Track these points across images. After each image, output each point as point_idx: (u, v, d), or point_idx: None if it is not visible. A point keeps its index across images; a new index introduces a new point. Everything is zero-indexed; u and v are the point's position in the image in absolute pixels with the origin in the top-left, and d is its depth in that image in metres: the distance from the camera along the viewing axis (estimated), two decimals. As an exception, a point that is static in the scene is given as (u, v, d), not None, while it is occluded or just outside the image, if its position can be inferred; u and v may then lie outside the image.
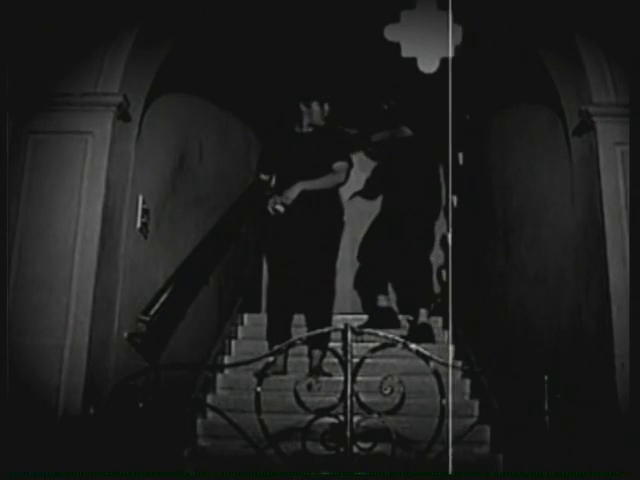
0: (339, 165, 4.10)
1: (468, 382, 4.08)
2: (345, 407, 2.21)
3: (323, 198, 4.05)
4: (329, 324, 3.86)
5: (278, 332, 3.99)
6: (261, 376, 2.35)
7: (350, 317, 4.72)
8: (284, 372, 3.92)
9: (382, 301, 4.69)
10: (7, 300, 2.51)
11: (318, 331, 2.45)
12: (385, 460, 2.31)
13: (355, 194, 5.41)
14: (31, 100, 2.74)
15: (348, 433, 2.19)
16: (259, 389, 2.34)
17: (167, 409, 2.57)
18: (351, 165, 4.22)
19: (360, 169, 5.38)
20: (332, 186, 4.11)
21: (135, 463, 2.35)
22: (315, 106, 4.12)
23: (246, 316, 4.77)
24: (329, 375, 3.78)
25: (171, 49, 3.14)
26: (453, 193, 5.30)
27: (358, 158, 5.27)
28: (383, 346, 2.34)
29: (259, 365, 2.50)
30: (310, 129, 4.17)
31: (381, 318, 4.56)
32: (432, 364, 2.31)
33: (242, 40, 4.07)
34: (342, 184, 4.20)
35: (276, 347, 2.34)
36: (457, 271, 5.01)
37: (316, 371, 3.79)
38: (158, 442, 2.35)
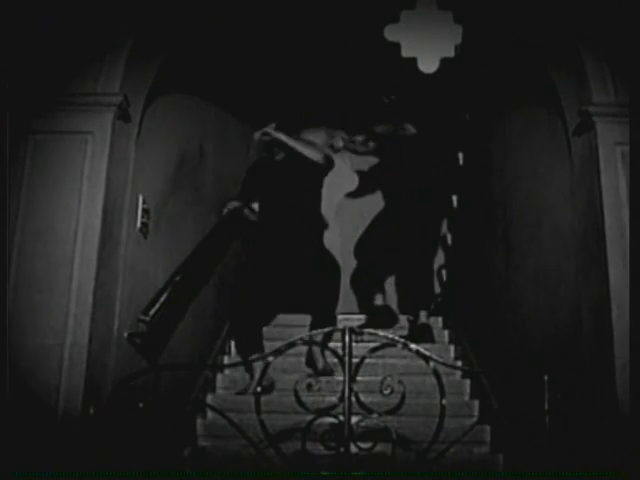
0: (320, 148, 4.09)
1: (468, 382, 4.09)
2: (344, 407, 2.21)
3: (304, 199, 4.05)
4: (328, 325, 3.84)
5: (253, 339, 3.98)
6: (262, 376, 2.36)
7: (351, 317, 4.74)
8: (331, 373, 3.80)
9: (378, 300, 4.65)
10: (7, 300, 2.51)
11: (318, 331, 2.45)
12: (385, 460, 2.32)
13: (354, 193, 5.41)
14: (31, 100, 2.74)
15: (346, 433, 2.19)
16: (259, 389, 2.34)
17: (167, 409, 2.57)
18: (330, 160, 4.16)
19: (359, 167, 5.37)
20: (310, 158, 4.03)
21: (135, 463, 2.35)
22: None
23: (246, 316, 4.76)
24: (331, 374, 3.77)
25: (171, 50, 3.14)
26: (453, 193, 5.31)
27: (357, 158, 5.26)
28: (383, 346, 2.34)
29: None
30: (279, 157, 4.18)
31: (378, 317, 4.53)
32: (432, 364, 2.32)
33: (241, 40, 4.07)
34: (320, 167, 4.09)
35: (276, 347, 2.34)
36: (457, 271, 5.02)
37: (327, 372, 3.74)
38: (158, 442, 2.35)
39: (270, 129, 4.04)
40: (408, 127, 4.52)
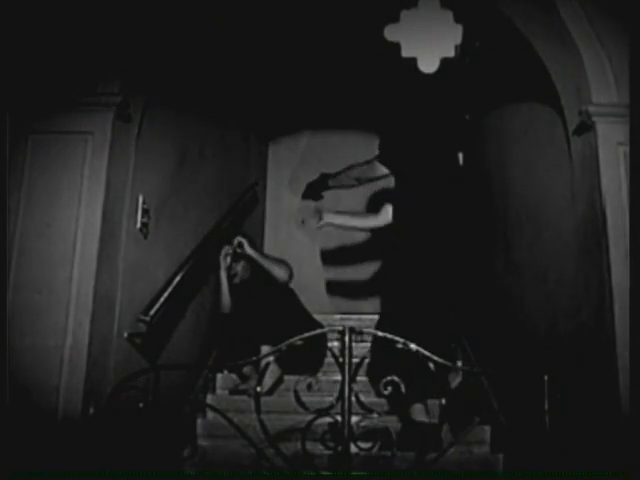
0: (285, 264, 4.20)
1: (468, 382, 4.08)
2: (344, 407, 2.21)
3: None
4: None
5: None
6: (262, 376, 2.36)
7: (349, 317, 4.74)
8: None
9: (420, 414, 3.22)
10: (7, 301, 2.51)
11: (318, 331, 2.44)
12: (385, 460, 2.32)
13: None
14: (31, 100, 2.74)
15: (346, 433, 2.19)
16: (259, 389, 2.34)
17: (167, 409, 2.56)
18: (292, 276, 4.22)
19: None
20: (274, 276, 4.13)
21: (135, 463, 2.35)
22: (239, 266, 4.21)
23: (246, 316, 4.76)
24: None
25: (171, 52, 3.14)
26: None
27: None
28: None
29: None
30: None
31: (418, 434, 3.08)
32: (432, 364, 2.31)
33: (241, 43, 4.07)
34: (281, 283, 4.15)
35: (275, 347, 2.34)
36: (457, 271, 5.00)
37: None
38: (158, 442, 2.35)
39: (244, 243, 4.13)
40: (378, 166, 3.93)
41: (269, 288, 4.10)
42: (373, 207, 4.18)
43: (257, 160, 5.55)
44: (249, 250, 4.12)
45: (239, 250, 4.13)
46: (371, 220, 3.96)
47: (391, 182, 4.10)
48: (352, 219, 4.05)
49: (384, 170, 3.92)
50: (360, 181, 4.10)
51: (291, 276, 4.17)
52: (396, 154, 3.92)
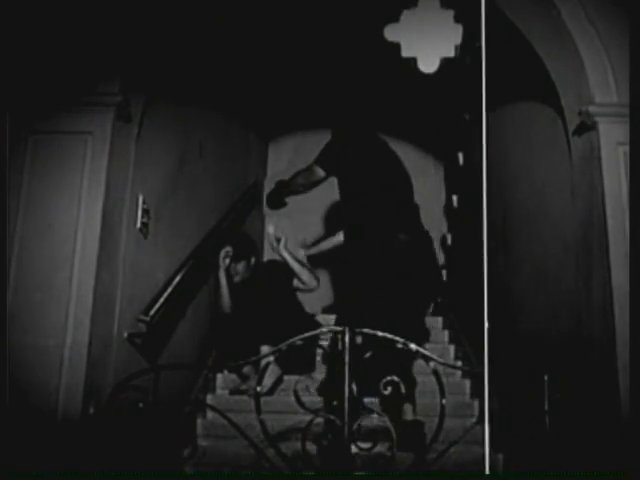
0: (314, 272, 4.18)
1: (468, 382, 4.08)
2: (344, 407, 2.21)
3: None
4: None
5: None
6: (261, 376, 2.36)
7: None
8: None
9: (407, 413, 3.41)
10: (7, 300, 2.51)
11: (317, 331, 2.44)
12: (385, 460, 2.32)
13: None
14: (31, 100, 2.74)
15: (346, 433, 2.19)
16: (259, 389, 2.34)
17: (167, 409, 2.56)
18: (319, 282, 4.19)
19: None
20: (303, 280, 4.08)
21: (135, 463, 2.35)
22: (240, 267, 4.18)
23: (246, 316, 4.76)
24: None
25: (171, 52, 3.14)
26: (453, 193, 5.30)
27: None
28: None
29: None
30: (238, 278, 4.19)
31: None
32: (432, 364, 2.31)
33: (242, 43, 4.07)
34: (308, 289, 4.15)
35: (275, 347, 2.34)
36: (457, 271, 5.02)
37: None
38: (158, 442, 2.35)
39: (281, 241, 4.00)
40: (317, 169, 3.92)
41: (269, 288, 4.09)
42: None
43: (257, 160, 5.55)
44: (283, 250, 4.00)
45: (275, 245, 4.00)
46: (336, 237, 3.97)
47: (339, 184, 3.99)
48: (323, 244, 4.10)
49: (322, 173, 3.92)
50: (305, 187, 4.12)
51: (318, 284, 4.12)
52: (332, 157, 3.89)
